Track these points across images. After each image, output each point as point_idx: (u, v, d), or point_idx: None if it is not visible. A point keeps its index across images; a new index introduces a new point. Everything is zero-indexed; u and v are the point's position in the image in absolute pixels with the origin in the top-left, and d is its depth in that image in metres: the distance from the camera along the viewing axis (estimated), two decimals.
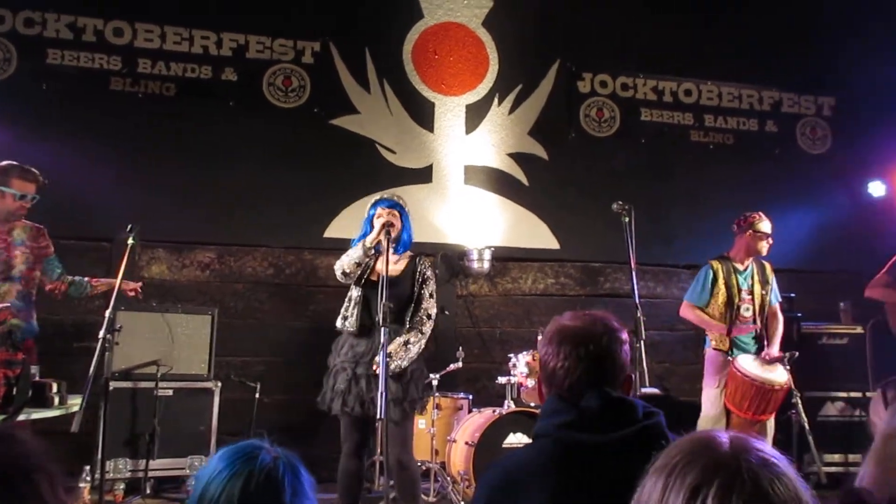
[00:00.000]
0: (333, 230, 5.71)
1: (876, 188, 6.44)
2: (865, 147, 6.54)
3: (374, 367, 3.63)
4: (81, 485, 4.13)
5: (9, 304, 3.71)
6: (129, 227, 3.75)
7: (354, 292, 3.81)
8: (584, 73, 6.41)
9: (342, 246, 5.64)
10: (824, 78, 6.70)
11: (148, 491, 4.53)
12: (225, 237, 5.62)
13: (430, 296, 3.84)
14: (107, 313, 3.49)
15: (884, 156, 6.45)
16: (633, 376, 3.29)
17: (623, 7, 6.39)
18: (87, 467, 4.22)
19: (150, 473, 4.51)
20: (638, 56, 6.46)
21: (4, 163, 3.90)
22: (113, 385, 4.36)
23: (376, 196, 3.93)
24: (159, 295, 5.26)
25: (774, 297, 4.80)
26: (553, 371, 1.67)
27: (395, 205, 3.80)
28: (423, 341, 3.78)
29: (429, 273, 3.87)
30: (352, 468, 3.67)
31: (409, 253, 3.91)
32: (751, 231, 4.67)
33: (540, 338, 4.86)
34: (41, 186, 3.93)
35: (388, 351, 3.59)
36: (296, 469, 1.27)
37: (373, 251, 3.74)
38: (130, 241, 3.73)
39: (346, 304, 3.85)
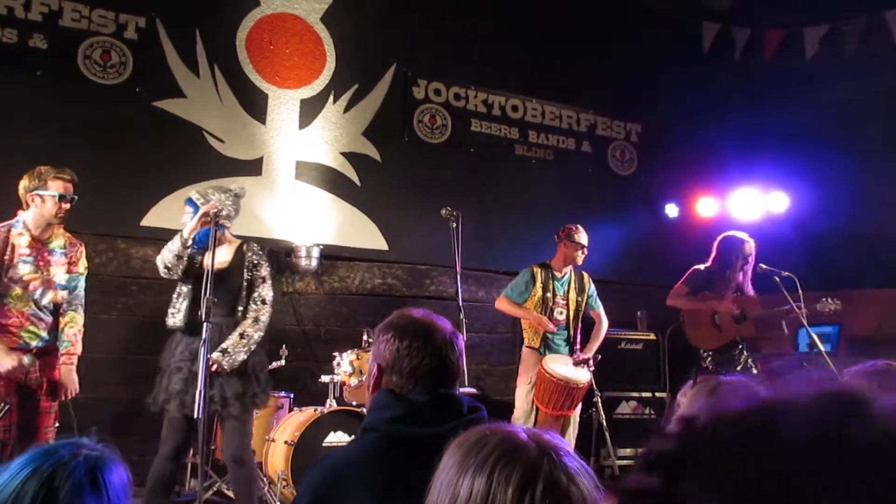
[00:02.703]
0: (152, 219, 5.39)
1: (671, 210, 7.20)
2: (664, 172, 7.27)
3: (214, 366, 3.54)
4: None
5: None
6: None
7: (183, 287, 3.66)
8: (419, 80, 6.55)
9: (161, 236, 5.35)
10: (633, 105, 7.35)
11: None
12: None
13: (264, 280, 3.76)
14: None
15: (678, 181, 7.21)
16: None
17: (459, 20, 6.61)
18: None
19: None
20: (471, 68, 6.71)
21: (36, 167, 3.66)
22: None
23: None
24: None
25: (594, 304, 5.23)
26: (397, 361, 1.70)
27: (187, 200, 3.75)
28: (262, 329, 3.70)
29: (257, 259, 3.79)
30: (167, 472, 3.50)
31: (236, 241, 3.83)
32: (567, 241, 5.04)
33: (372, 332, 4.92)
34: (76, 185, 3.69)
35: (225, 346, 3.49)
36: (97, 469, 1.21)
37: (191, 243, 3.62)
38: None
39: (174, 300, 3.69)
